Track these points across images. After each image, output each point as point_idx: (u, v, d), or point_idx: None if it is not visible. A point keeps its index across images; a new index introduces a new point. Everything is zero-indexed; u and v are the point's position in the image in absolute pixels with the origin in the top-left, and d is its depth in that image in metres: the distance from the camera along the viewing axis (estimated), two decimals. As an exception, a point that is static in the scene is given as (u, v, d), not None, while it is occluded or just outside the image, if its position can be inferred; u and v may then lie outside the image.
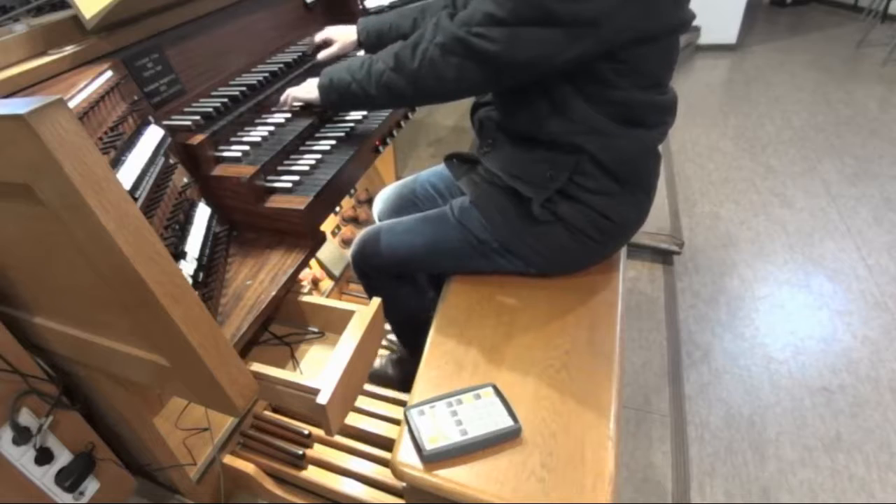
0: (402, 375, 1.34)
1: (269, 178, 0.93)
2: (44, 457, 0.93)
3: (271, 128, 1.01)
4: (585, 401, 0.80)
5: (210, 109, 0.95)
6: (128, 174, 0.70)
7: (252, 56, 1.18)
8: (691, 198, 2.29)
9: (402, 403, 1.29)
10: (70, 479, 0.96)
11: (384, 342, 1.47)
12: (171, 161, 0.86)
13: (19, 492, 0.92)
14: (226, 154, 0.93)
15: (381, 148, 1.14)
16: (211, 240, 0.84)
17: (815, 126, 2.77)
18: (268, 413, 1.30)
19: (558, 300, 0.98)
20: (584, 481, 0.70)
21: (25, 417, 0.90)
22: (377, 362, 1.38)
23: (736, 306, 1.73)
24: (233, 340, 0.74)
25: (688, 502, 1.22)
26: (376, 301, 0.91)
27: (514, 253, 0.98)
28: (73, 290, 0.71)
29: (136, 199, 0.68)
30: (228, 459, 1.20)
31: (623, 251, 1.08)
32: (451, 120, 3.11)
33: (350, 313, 0.91)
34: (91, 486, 1.02)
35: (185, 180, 0.88)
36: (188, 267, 0.73)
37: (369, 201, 1.84)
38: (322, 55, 1.19)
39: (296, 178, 0.92)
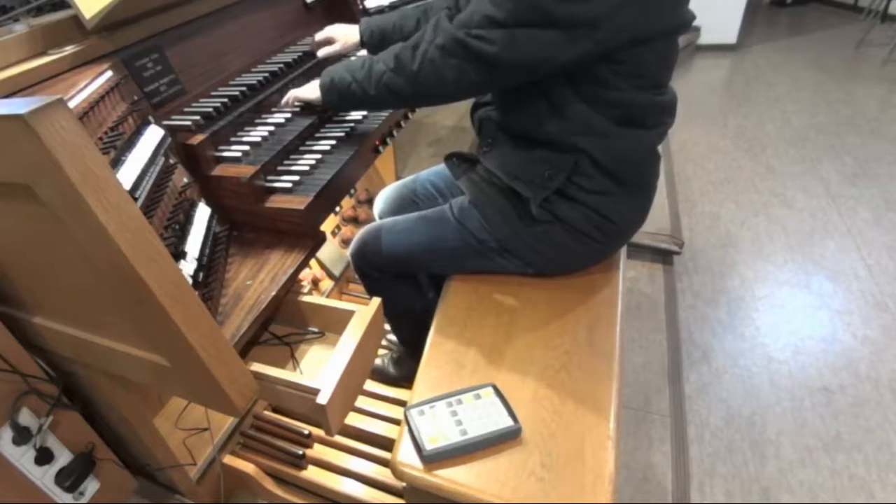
0: (402, 374, 1.34)
1: (269, 178, 0.93)
2: (44, 457, 0.93)
3: (271, 128, 1.01)
4: (585, 401, 0.80)
5: (210, 109, 0.95)
6: (128, 174, 0.70)
7: (252, 56, 1.18)
8: (691, 198, 2.29)
9: (402, 403, 1.29)
10: (70, 479, 0.96)
11: (384, 342, 1.48)
12: (171, 161, 0.86)
13: (19, 492, 0.92)
14: (226, 154, 0.93)
15: (381, 148, 1.14)
16: (211, 240, 0.84)
17: (815, 126, 2.77)
18: (268, 413, 1.30)
19: (558, 300, 0.98)
20: (584, 481, 0.70)
21: (25, 417, 0.90)
22: (377, 361, 1.38)
23: (736, 306, 1.73)
24: (233, 340, 0.74)
25: (688, 502, 1.22)
26: (376, 301, 0.91)
27: (513, 253, 0.98)
28: (73, 290, 0.71)
29: (136, 199, 0.68)
30: (228, 459, 1.20)
31: (623, 251, 1.08)
32: (451, 120, 3.11)
33: (350, 313, 0.91)
34: (91, 486, 1.02)
35: (185, 180, 0.88)
36: (188, 267, 0.73)
37: (369, 201, 1.84)
38: (322, 52, 1.19)
39: (296, 178, 0.92)
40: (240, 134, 1.00)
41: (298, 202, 0.87)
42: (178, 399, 1.15)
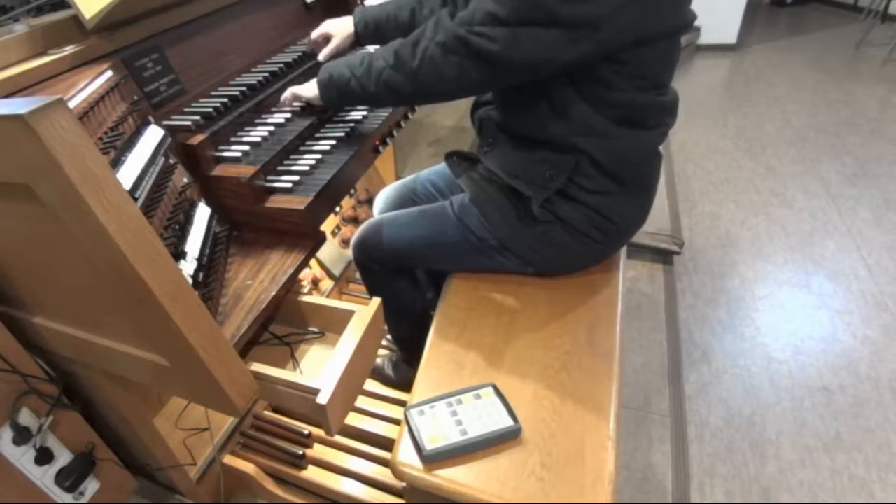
0: (399, 378, 1.34)
1: (269, 178, 0.93)
2: (44, 457, 0.93)
3: (271, 128, 1.01)
4: (585, 401, 0.80)
5: (210, 109, 0.95)
6: (128, 174, 0.70)
7: (252, 56, 1.18)
8: (691, 198, 2.29)
9: (402, 403, 1.29)
10: (70, 479, 0.96)
11: (384, 342, 1.48)
12: (171, 161, 0.86)
13: (19, 492, 0.92)
14: (226, 154, 0.93)
15: (381, 148, 1.14)
16: (211, 240, 0.84)
17: (815, 126, 2.77)
18: (268, 413, 1.30)
19: (558, 300, 0.98)
20: (584, 481, 0.70)
21: (25, 417, 0.90)
22: (377, 361, 1.38)
23: (736, 306, 1.73)
24: (233, 340, 0.74)
25: (688, 502, 1.22)
26: (376, 301, 0.91)
27: (513, 251, 0.98)
28: (73, 290, 0.71)
29: (136, 199, 0.68)
30: (228, 459, 1.20)
31: (623, 251, 1.08)
32: (451, 120, 3.11)
33: (350, 313, 0.91)
34: (91, 486, 1.02)
35: (185, 180, 0.88)
36: (188, 267, 0.73)
37: (369, 201, 1.84)
38: (323, 55, 1.18)
39: (296, 177, 0.92)
40: (240, 134, 1.00)
41: (298, 202, 0.87)
42: (178, 399, 1.15)
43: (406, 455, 0.75)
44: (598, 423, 0.77)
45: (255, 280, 0.84)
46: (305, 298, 0.99)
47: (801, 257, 1.91)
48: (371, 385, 1.36)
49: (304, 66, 1.20)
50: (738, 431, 1.36)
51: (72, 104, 0.71)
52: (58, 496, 0.97)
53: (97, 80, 0.79)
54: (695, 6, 0.83)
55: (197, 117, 0.93)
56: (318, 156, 1.00)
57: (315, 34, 1.20)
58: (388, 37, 1.08)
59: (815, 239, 1.99)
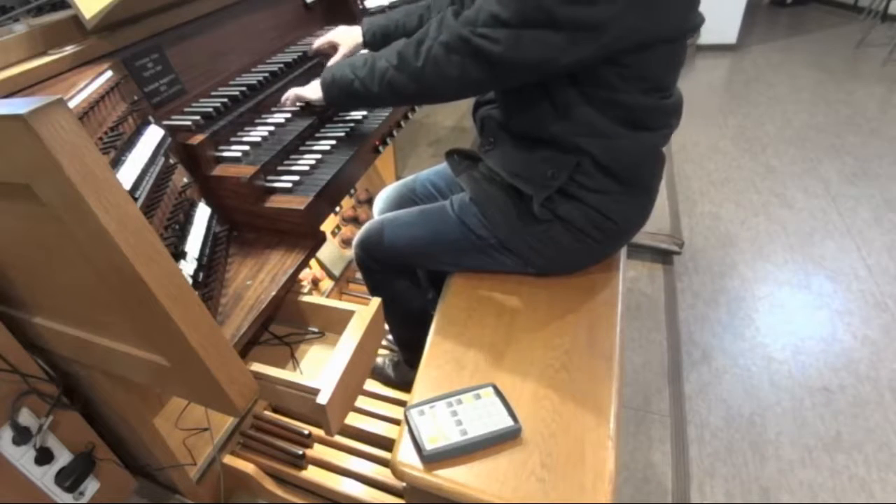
0: (399, 378, 1.34)
1: (269, 178, 0.93)
2: (44, 457, 0.93)
3: (271, 128, 1.01)
4: (585, 401, 0.80)
5: (210, 109, 0.95)
6: (128, 174, 0.70)
7: (252, 56, 1.18)
8: (691, 198, 2.29)
9: (402, 403, 1.29)
10: (70, 479, 0.96)
11: (384, 342, 1.48)
12: (171, 161, 0.86)
13: (19, 492, 0.92)
14: (226, 154, 0.93)
15: (381, 148, 1.14)
16: (211, 240, 0.84)
17: (815, 126, 2.77)
18: (268, 413, 1.30)
19: (558, 300, 0.98)
20: (584, 481, 0.70)
21: (25, 417, 0.90)
22: (378, 360, 1.38)
23: (736, 306, 1.73)
24: (233, 340, 0.74)
25: (688, 502, 1.22)
26: (376, 301, 0.91)
27: (513, 251, 0.98)
28: (73, 290, 0.71)
29: (136, 199, 0.68)
30: (228, 459, 1.20)
31: (623, 251, 1.08)
32: (451, 120, 3.11)
33: (350, 313, 0.91)
34: (91, 486, 1.02)
35: (185, 180, 0.88)
36: (188, 267, 0.73)
37: (369, 201, 1.84)
38: (331, 64, 1.18)
39: (296, 178, 0.92)
40: (240, 134, 1.00)
41: (298, 202, 0.87)
42: (178, 399, 1.15)
43: (406, 455, 0.75)
44: (598, 423, 0.77)
45: (255, 280, 0.84)
46: (305, 298, 0.99)
47: (801, 257, 1.91)
48: (371, 385, 1.36)
49: (304, 66, 1.20)
50: (738, 431, 1.36)
51: (72, 104, 0.71)
52: (58, 496, 0.97)
53: (97, 80, 0.79)
54: (695, 6, 0.83)
55: (197, 117, 0.93)
56: (318, 156, 1.00)
57: (321, 42, 1.20)
58: None
59: (815, 239, 1.99)
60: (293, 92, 1.05)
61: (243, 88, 1.04)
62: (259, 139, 0.97)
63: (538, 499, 0.69)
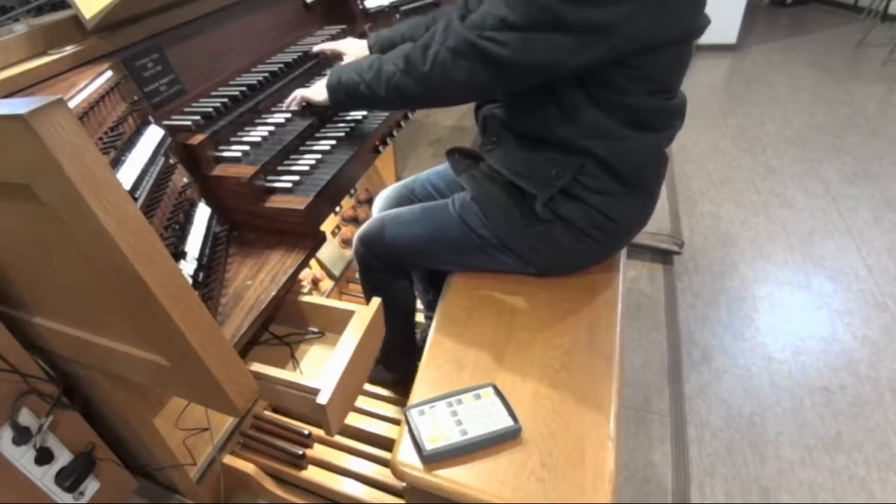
0: (377, 375, 1.34)
1: (269, 178, 0.93)
2: (44, 457, 0.93)
3: (271, 128, 1.01)
4: (585, 401, 0.80)
5: (210, 109, 0.95)
6: (128, 174, 0.70)
7: (252, 56, 1.18)
8: (691, 198, 2.29)
9: (402, 403, 1.29)
10: (70, 479, 0.96)
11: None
12: (171, 161, 0.86)
13: (19, 492, 0.92)
14: (226, 154, 0.93)
15: (381, 148, 1.14)
16: (211, 240, 0.84)
17: (815, 126, 2.77)
18: (268, 413, 1.30)
19: (558, 300, 0.98)
20: (584, 481, 0.70)
21: (25, 417, 0.90)
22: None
23: (736, 306, 1.73)
24: (233, 340, 0.74)
25: (688, 502, 1.22)
26: (376, 301, 0.91)
27: (514, 251, 0.98)
28: (73, 290, 0.71)
29: (136, 199, 0.68)
30: (228, 459, 1.20)
31: (623, 251, 1.08)
32: (451, 120, 3.11)
33: (350, 313, 0.91)
34: (91, 486, 1.02)
35: (185, 180, 0.88)
36: (188, 267, 0.73)
37: (369, 201, 1.84)
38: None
39: (296, 178, 0.92)
40: (240, 134, 1.00)
41: (298, 202, 0.87)
42: (178, 399, 1.15)
43: (406, 455, 0.75)
44: (598, 423, 0.77)
45: (255, 280, 0.84)
46: (305, 298, 0.99)
47: (801, 257, 1.91)
48: (371, 385, 1.36)
49: (304, 66, 1.20)
50: (738, 431, 1.36)
51: (72, 104, 0.71)
52: (58, 496, 0.97)
53: (97, 80, 0.79)
54: (695, 6, 0.82)
55: (197, 117, 0.93)
56: (318, 156, 1.00)
57: (325, 46, 1.21)
58: None
59: (815, 239, 1.99)
60: (299, 93, 1.05)
61: (243, 88, 1.04)
62: (259, 139, 0.97)
63: (538, 499, 0.69)
